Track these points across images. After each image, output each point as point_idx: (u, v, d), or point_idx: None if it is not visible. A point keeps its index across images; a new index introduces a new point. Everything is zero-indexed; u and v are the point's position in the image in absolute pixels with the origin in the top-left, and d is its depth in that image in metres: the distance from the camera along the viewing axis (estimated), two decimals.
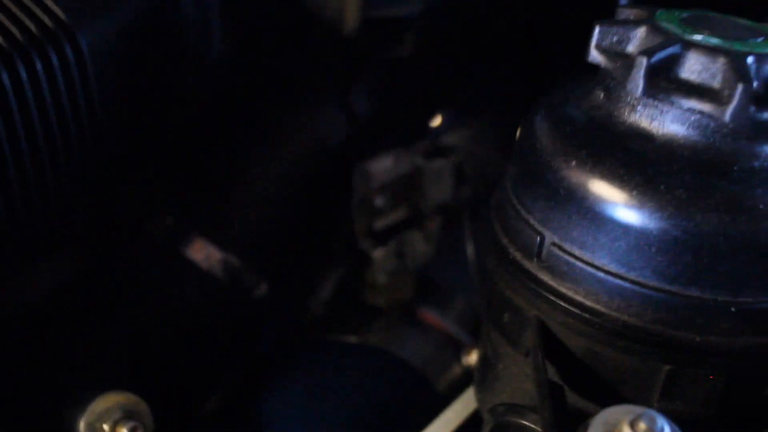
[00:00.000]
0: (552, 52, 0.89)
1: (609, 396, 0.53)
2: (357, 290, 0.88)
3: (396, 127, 0.88)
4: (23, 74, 0.60)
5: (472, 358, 0.85)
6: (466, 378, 0.81)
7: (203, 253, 0.79)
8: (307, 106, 0.85)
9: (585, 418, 0.48)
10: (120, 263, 0.79)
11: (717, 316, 0.50)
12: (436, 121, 0.92)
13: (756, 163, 0.50)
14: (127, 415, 0.67)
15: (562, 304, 0.53)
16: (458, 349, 0.86)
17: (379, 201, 0.83)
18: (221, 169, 0.82)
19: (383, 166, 0.83)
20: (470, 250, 0.84)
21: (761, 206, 0.49)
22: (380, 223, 0.84)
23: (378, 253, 0.84)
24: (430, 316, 0.88)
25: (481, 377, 0.65)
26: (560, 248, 0.53)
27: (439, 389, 0.83)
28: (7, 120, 0.60)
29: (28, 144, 0.62)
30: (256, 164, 0.83)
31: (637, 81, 0.52)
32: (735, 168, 0.50)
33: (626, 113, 0.53)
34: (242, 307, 0.80)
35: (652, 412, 0.45)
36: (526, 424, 0.54)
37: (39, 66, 0.61)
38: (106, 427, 0.67)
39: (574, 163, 0.52)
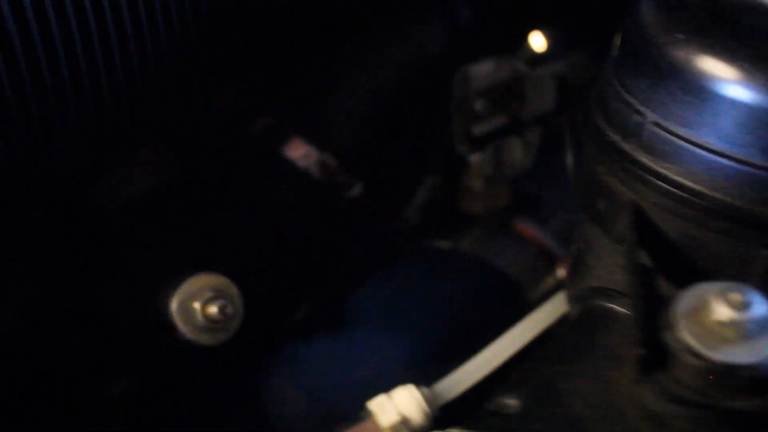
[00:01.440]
0: None
1: None
2: (453, 197, 0.87)
3: (498, 37, 0.86)
4: None
5: None
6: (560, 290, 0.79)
7: (300, 152, 0.79)
8: (407, 11, 0.83)
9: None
10: (219, 159, 0.80)
11: None
12: (539, 37, 0.90)
13: None
14: (218, 294, 0.69)
15: (661, 184, 0.51)
16: (553, 262, 0.84)
17: (478, 105, 0.81)
18: (321, 70, 0.82)
19: (484, 70, 0.81)
20: (570, 161, 0.82)
21: None
22: (478, 129, 0.82)
23: (475, 158, 0.82)
24: (527, 227, 0.87)
25: (572, 271, 0.63)
26: (661, 126, 0.51)
27: (531, 299, 0.82)
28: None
29: (129, 20, 0.63)
30: (356, 67, 0.82)
31: None
32: None
33: None
34: (336, 206, 0.80)
35: (743, 285, 0.43)
36: (613, 308, 0.52)
37: None
38: (197, 304, 0.68)
39: (679, 36, 0.50)
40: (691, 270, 0.51)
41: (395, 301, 0.79)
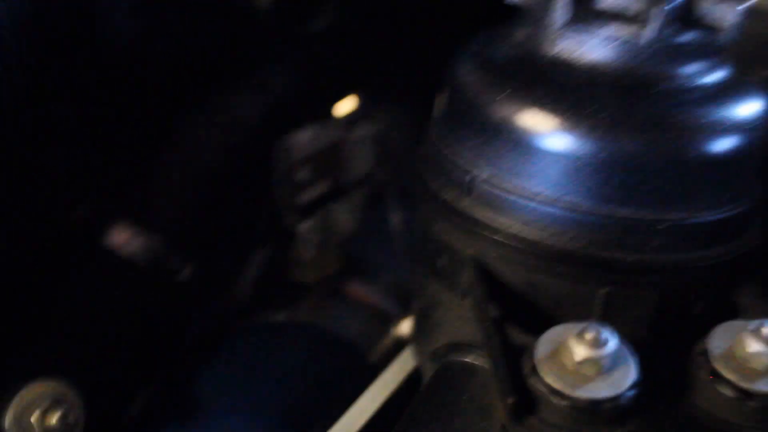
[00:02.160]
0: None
1: (550, 326, 0.53)
2: (283, 267, 0.87)
3: (315, 103, 0.88)
4: None
5: (402, 328, 0.85)
6: (398, 348, 0.81)
7: (123, 238, 0.77)
8: (222, 85, 0.83)
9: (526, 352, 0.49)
10: (39, 254, 0.76)
11: (647, 235, 0.51)
12: (353, 100, 0.92)
13: (675, 84, 0.52)
14: (56, 403, 0.64)
15: (498, 238, 0.53)
16: (387, 321, 0.86)
17: (301, 174, 0.82)
18: (137, 153, 0.81)
19: (304, 139, 0.82)
20: (394, 220, 0.84)
21: (683, 124, 0.50)
22: (304, 197, 0.83)
23: (303, 227, 0.83)
24: (358, 290, 0.88)
25: (418, 330, 0.65)
26: (491, 183, 0.53)
27: (371, 360, 0.82)
28: None
29: None
30: (174, 146, 0.81)
31: (559, 14, 0.53)
32: (656, 90, 0.51)
33: (548, 46, 0.54)
34: (167, 290, 0.78)
35: (597, 323, 0.46)
36: (470, 362, 0.54)
37: None
38: (34, 418, 0.63)
39: (500, 97, 0.53)
40: (537, 315, 0.54)
41: (238, 381, 0.78)
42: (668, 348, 0.53)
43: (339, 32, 0.85)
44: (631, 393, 0.45)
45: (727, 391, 0.46)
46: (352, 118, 0.88)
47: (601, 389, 0.44)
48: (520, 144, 0.52)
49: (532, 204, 0.52)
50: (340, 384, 0.79)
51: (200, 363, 0.78)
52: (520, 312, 0.54)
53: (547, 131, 0.51)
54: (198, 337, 0.82)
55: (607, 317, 0.52)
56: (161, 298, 0.78)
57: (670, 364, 0.50)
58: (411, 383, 0.71)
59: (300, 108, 0.85)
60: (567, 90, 0.52)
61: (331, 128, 0.85)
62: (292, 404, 0.75)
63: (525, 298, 0.54)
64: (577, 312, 0.53)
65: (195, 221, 0.82)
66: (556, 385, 0.44)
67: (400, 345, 0.82)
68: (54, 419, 0.64)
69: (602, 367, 0.45)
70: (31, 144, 0.72)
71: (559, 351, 0.46)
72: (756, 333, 0.46)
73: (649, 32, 0.51)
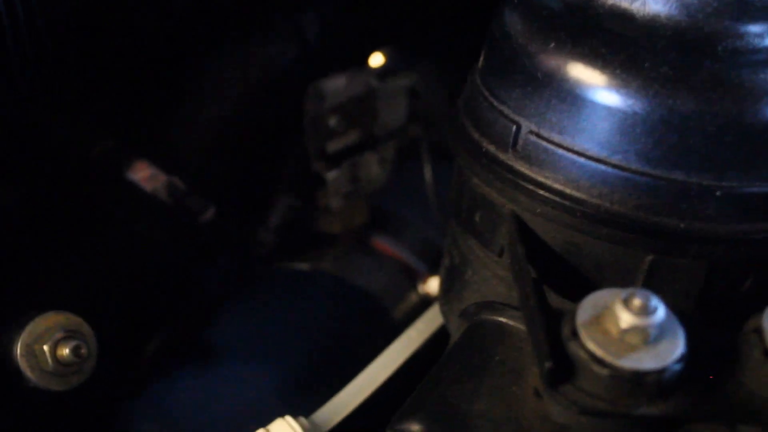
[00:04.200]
0: None
1: (588, 292, 0.50)
2: (309, 216, 0.84)
3: (348, 52, 0.85)
4: None
5: (429, 286, 0.83)
6: (424, 306, 0.79)
7: (145, 174, 0.75)
8: (256, 27, 0.81)
9: (562, 316, 0.46)
10: (60, 186, 0.74)
11: (701, 201, 0.48)
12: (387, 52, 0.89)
13: (740, 43, 0.48)
14: (69, 334, 0.63)
15: (541, 193, 0.50)
16: (414, 278, 0.83)
17: (332, 122, 0.79)
18: (165, 89, 0.78)
19: (337, 85, 0.79)
20: (426, 174, 0.81)
21: (747, 86, 0.47)
22: (333, 145, 0.80)
23: (331, 176, 0.80)
24: (384, 244, 0.85)
25: (446, 288, 0.62)
26: (538, 135, 0.50)
27: (396, 316, 0.80)
28: None
29: None
30: (203, 84, 0.79)
31: None
32: (719, 47, 0.48)
33: None
34: (189, 231, 0.76)
35: (644, 291, 0.43)
36: (504, 321, 0.51)
37: None
38: (45, 348, 0.62)
39: (552, 45, 0.50)
40: (575, 279, 0.51)
41: (258, 328, 0.76)
42: (712, 323, 0.51)
43: None
44: (677, 367, 0.42)
45: None
46: (385, 70, 0.85)
47: (646, 360, 0.41)
48: (571, 96, 0.49)
49: (580, 160, 0.49)
50: (362, 338, 0.77)
51: (219, 308, 0.76)
52: (558, 274, 0.52)
53: (600, 84, 0.48)
54: (218, 282, 0.80)
55: (650, 286, 0.50)
56: (182, 238, 0.76)
57: (715, 340, 0.48)
58: (436, 342, 0.69)
59: (333, 55, 0.82)
60: (623, 42, 0.48)
61: (364, 78, 0.82)
62: (310, 355, 0.73)
63: (564, 259, 0.52)
64: (619, 279, 0.50)
65: (220, 162, 0.80)
66: (598, 352, 0.42)
67: (426, 303, 0.80)
68: (66, 350, 0.62)
69: (649, 337, 0.42)
70: (59, 77, 0.70)
71: (602, 316, 0.43)
72: None
73: None
